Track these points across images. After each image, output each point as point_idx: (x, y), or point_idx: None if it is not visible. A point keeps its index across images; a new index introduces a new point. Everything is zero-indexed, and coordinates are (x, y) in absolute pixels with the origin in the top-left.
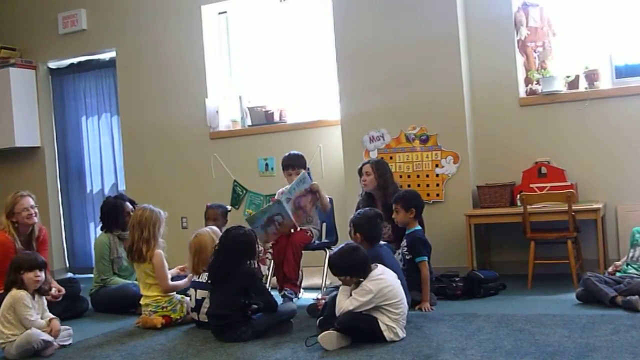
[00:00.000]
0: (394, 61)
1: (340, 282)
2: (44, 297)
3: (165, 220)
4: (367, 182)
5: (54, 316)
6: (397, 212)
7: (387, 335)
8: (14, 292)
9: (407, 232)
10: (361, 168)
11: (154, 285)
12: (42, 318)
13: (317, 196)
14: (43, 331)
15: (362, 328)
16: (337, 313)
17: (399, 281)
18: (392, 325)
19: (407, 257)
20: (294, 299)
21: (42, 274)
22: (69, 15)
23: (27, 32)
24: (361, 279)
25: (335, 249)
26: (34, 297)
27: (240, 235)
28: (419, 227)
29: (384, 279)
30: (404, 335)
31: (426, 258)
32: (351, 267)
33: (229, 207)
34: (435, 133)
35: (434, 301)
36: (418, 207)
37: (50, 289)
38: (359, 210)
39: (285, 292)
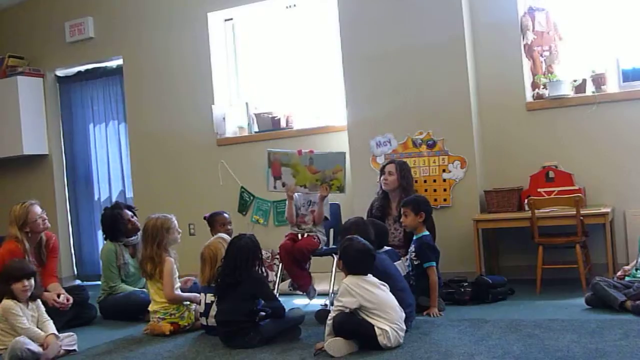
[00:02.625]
0: (401, 67)
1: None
2: (39, 302)
3: (171, 224)
4: (389, 182)
5: (54, 332)
6: (406, 215)
7: (381, 340)
8: (4, 303)
9: (415, 238)
10: (384, 167)
11: (161, 289)
12: (39, 323)
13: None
14: (40, 344)
15: (356, 331)
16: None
17: (383, 286)
18: (385, 328)
19: (416, 263)
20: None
21: (31, 283)
22: (76, 24)
23: (35, 40)
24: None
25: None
26: (27, 305)
27: (246, 242)
28: (427, 233)
29: (364, 280)
30: (402, 341)
31: (434, 263)
32: (349, 259)
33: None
34: (442, 138)
35: (442, 307)
36: (427, 211)
37: (41, 294)
38: (347, 221)
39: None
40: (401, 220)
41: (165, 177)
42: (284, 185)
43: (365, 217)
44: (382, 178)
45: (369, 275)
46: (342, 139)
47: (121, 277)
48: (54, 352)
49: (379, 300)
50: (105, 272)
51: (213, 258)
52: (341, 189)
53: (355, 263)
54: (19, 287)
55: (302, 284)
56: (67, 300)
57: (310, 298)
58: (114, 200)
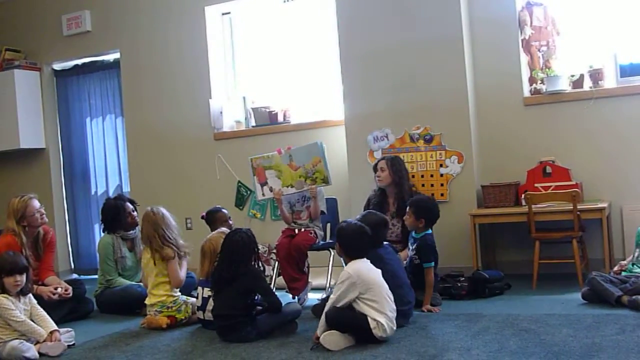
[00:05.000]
0: (398, 61)
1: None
2: (31, 296)
3: (162, 218)
4: (382, 178)
5: (56, 328)
6: (409, 216)
7: (376, 332)
8: None
9: (416, 236)
10: (376, 164)
11: (162, 283)
12: (33, 317)
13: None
14: (43, 341)
15: (349, 324)
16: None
17: (378, 273)
18: (380, 320)
19: (416, 262)
20: (302, 295)
21: (22, 278)
22: (73, 17)
23: (32, 34)
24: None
25: (357, 217)
26: (19, 299)
27: (241, 237)
28: (429, 232)
29: (364, 265)
30: (394, 327)
31: (433, 264)
32: (345, 241)
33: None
34: (440, 133)
35: (438, 301)
36: (428, 219)
37: (32, 288)
38: (343, 223)
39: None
40: (404, 217)
41: (162, 171)
42: (271, 190)
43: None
44: (375, 175)
45: (365, 260)
46: (339, 134)
47: (118, 270)
48: (60, 349)
49: (377, 285)
50: (102, 266)
51: (213, 252)
52: (325, 181)
53: (352, 244)
54: (10, 281)
55: (296, 287)
56: (66, 290)
57: (300, 304)
58: (111, 194)
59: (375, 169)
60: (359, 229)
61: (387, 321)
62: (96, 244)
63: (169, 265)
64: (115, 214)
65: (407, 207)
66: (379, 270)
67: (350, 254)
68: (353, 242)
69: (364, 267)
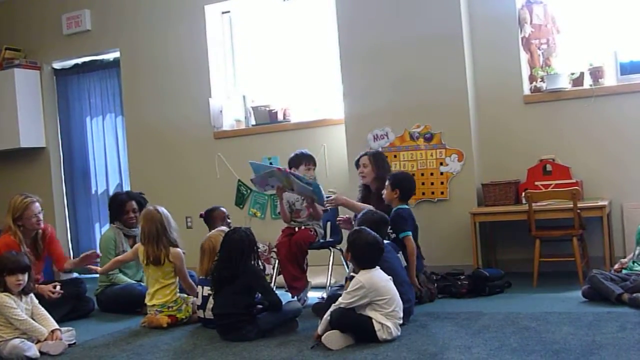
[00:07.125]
0: (398, 60)
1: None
2: (32, 296)
3: (167, 218)
4: (365, 174)
5: (58, 327)
6: (386, 188)
7: (381, 335)
8: None
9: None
10: (358, 160)
11: (167, 286)
12: (35, 316)
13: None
14: (44, 340)
15: (354, 326)
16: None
17: (390, 280)
18: (386, 324)
19: (392, 235)
20: (303, 295)
21: (24, 278)
22: (73, 16)
23: (32, 33)
24: (354, 272)
25: (365, 216)
26: (21, 298)
27: (241, 236)
28: (405, 207)
29: (377, 275)
30: (399, 333)
31: (410, 233)
32: (358, 251)
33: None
34: (440, 131)
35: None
36: (402, 189)
37: (34, 288)
38: (356, 233)
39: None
40: (383, 191)
41: (162, 170)
42: (272, 187)
43: None
44: (358, 172)
45: (377, 268)
46: (339, 132)
47: (119, 266)
48: (61, 348)
49: (391, 295)
50: (103, 260)
51: (213, 250)
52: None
53: (365, 256)
54: (12, 280)
55: (296, 286)
56: (54, 288)
57: (302, 304)
58: (111, 193)
59: (357, 165)
60: (373, 240)
61: (394, 326)
62: (97, 242)
63: (179, 269)
64: (114, 206)
65: (387, 181)
66: (390, 278)
67: (362, 264)
68: (366, 254)
69: (377, 278)
